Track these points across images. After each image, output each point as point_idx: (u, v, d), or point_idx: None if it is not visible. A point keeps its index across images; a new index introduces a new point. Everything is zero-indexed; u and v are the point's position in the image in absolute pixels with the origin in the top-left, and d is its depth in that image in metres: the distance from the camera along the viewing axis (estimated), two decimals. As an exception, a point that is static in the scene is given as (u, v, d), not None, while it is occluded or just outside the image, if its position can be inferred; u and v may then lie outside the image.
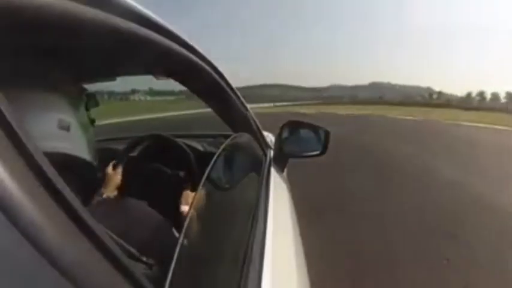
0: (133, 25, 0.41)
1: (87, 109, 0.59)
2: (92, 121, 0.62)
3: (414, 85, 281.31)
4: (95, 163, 0.58)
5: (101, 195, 0.82)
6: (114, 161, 0.94)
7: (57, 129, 0.50)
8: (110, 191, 0.85)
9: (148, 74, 0.92)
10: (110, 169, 0.91)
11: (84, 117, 0.57)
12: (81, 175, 0.54)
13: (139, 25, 0.42)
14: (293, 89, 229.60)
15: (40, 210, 0.19)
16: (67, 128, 0.51)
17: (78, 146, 0.53)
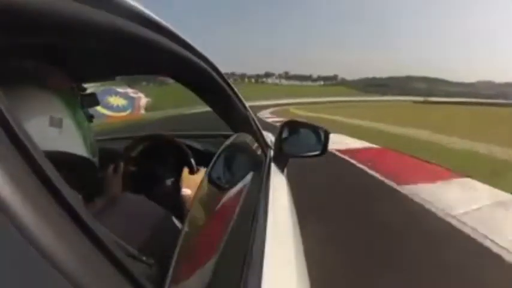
0: (133, 25, 0.41)
1: (83, 106, 0.59)
2: (90, 117, 0.62)
3: None
4: (93, 159, 0.58)
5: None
6: (114, 163, 0.94)
7: (48, 127, 0.50)
8: (111, 192, 0.85)
9: (149, 74, 0.92)
10: (111, 170, 0.91)
11: (80, 114, 0.57)
12: (78, 171, 0.54)
13: (139, 25, 0.42)
14: (441, 82, 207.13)
15: (39, 209, 0.19)
16: (59, 125, 0.51)
17: (72, 142, 0.53)
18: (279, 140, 1.20)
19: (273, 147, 1.29)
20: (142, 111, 20.29)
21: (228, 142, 0.70)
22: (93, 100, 0.63)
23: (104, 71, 0.88)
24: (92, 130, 0.60)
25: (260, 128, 1.21)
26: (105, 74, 0.93)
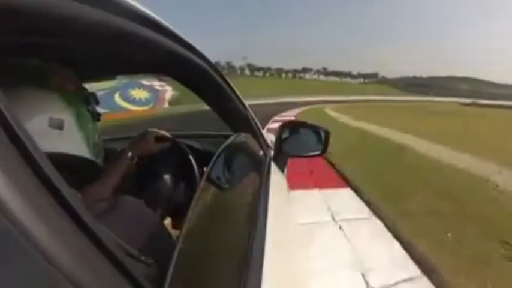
0: (133, 24, 0.41)
1: (88, 106, 0.59)
2: (97, 116, 0.62)
3: None
4: (97, 160, 0.58)
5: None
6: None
7: (47, 128, 0.50)
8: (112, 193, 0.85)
9: (149, 73, 0.92)
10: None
11: (83, 114, 0.57)
12: (78, 172, 0.54)
13: (139, 24, 0.42)
14: (484, 84, 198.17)
15: (37, 208, 0.19)
16: (59, 127, 0.51)
17: (72, 144, 0.53)
18: (279, 140, 1.20)
19: (273, 147, 1.29)
20: (166, 105, 19.19)
21: (228, 142, 0.70)
22: (94, 99, 0.63)
23: (104, 71, 0.88)
24: (97, 130, 0.60)
25: (260, 127, 1.21)
26: (104, 73, 0.93)
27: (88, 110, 0.59)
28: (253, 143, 1.08)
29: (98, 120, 0.63)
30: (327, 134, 1.19)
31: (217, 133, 1.40)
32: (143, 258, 0.43)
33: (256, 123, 1.14)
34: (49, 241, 0.19)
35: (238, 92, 0.95)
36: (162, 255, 0.51)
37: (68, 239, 0.20)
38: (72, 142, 0.53)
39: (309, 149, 1.22)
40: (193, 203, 0.48)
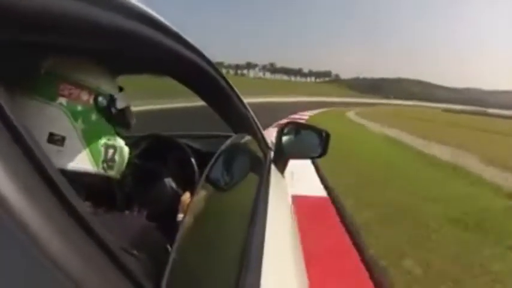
0: (134, 24, 0.41)
1: (105, 114, 0.55)
2: (126, 123, 0.60)
3: None
4: (109, 172, 0.56)
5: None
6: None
7: (46, 144, 0.49)
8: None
9: (149, 73, 0.92)
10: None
11: (95, 127, 0.54)
12: (87, 187, 0.53)
13: (138, 23, 0.42)
14: (434, 87, 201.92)
15: (40, 208, 0.19)
16: (60, 144, 0.50)
17: (74, 159, 0.51)
18: (279, 141, 1.20)
19: (273, 148, 1.29)
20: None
21: (227, 142, 0.70)
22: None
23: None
24: (114, 137, 0.58)
25: (261, 128, 1.20)
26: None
27: (104, 120, 0.55)
28: (253, 144, 1.08)
29: (127, 127, 0.61)
30: (327, 136, 1.19)
31: (218, 133, 1.40)
32: (143, 257, 0.43)
33: (256, 124, 1.14)
34: (48, 239, 0.18)
35: (238, 92, 0.95)
36: (162, 253, 0.50)
37: (70, 241, 0.20)
38: (73, 158, 0.51)
39: (309, 151, 1.22)
40: (192, 203, 0.48)
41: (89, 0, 0.32)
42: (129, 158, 0.62)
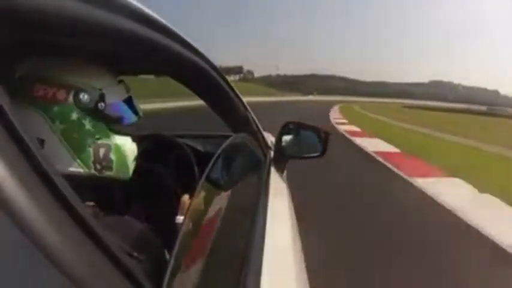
0: (134, 24, 0.41)
1: (94, 108, 0.52)
2: (120, 120, 0.56)
3: (481, 87, 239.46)
4: (109, 172, 0.54)
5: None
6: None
7: None
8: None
9: (149, 74, 0.92)
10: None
11: (78, 126, 0.51)
12: (90, 188, 0.52)
13: (139, 24, 0.42)
14: (357, 83, 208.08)
15: (41, 212, 0.19)
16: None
17: (58, 161, 0.49)
18: (279, 141, 1.20)
19: (273, 148, 1.29)
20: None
21: (227, 142, 0.70)
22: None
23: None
24: (104, 134, 0.54)
25: (261, 128, 1.21)
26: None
27: (90, 118, 0.52)
28: (253, 144, 1.08)
29: (121, 122, 0.57)
30: (327, 135, 1.20)
31: (217, 133, 1.40)
32: (143, 257, 0.43)
33: (256, 124, 1.14)
34: (49, 238, 0.18)
35: (238, 92, 0.95)
36: (161, 253, 0.50)
37: (71, 241, 0.20)
38: (56, 161, 0.49)
39: (309, 150, 1.22)
40: (192, 203, 0.48)
41: (89, 1, 0.32)
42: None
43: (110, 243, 0.23)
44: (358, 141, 7.32)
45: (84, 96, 0.51)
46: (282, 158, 1.23)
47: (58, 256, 0.19)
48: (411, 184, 3.91)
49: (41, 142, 0.48)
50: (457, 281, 1.88)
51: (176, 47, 0.54)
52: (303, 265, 0.76)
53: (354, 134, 8.79)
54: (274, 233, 0.70)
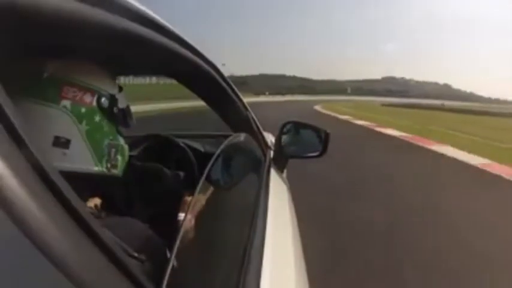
0: (135, 25, 0.41)
1: (108, 115, 0.56)
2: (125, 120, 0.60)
3: (431, 81, 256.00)
4: (113, 170, 0.57)
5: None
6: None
7: (51, 147, 0.49)
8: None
9: (149, 74, 0.92)
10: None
11: (99, 128, 0.55)
12: (93, 187, 0.53)
13: (140, 25, 0.42)
14: (305, 80, 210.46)
15: (42, 212, 0.19)
16: (65, 146, 0.50)
17: (78, 160, 0.52)
18: (279, 140, 1.20)
19: (273, 147, 1.29)
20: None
21: (227, 142, 0.70)
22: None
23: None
24: (116, 138, 0.59)
25: (260, 128, 1.20)
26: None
27: (107, 120, 0.56)
28: (253, 143, 1.08)
29: (128, 125, 0.61)
30: (327, 135, 1.19)
31: (217, 133, 1.40)
32: (143, 257, 0.43)
33: (256, 124, 1.14)
34: (49, 239, 0.19)
35: (238, 92, 0.95)
36: (161, 253, 0.50)
37: (71, 240, 0.20)
38: (77, 159, 0.52)
39: (309, 150, 1.22)
40: (192, 203, 0.48)
41: (91, 1, 0.32)
42: (128, 157, 0.63)
43: (111, 243, 0.23)
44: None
45: (105, 101, 0.56)
46: (282, 158, 1.23)
47: (58, 256, 0.19)
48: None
49: (67, 141, 0.51)
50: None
51: (176, 47, 0.54)
52: (303, 265, 0.76)
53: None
54: (274, 233, 0.70)
